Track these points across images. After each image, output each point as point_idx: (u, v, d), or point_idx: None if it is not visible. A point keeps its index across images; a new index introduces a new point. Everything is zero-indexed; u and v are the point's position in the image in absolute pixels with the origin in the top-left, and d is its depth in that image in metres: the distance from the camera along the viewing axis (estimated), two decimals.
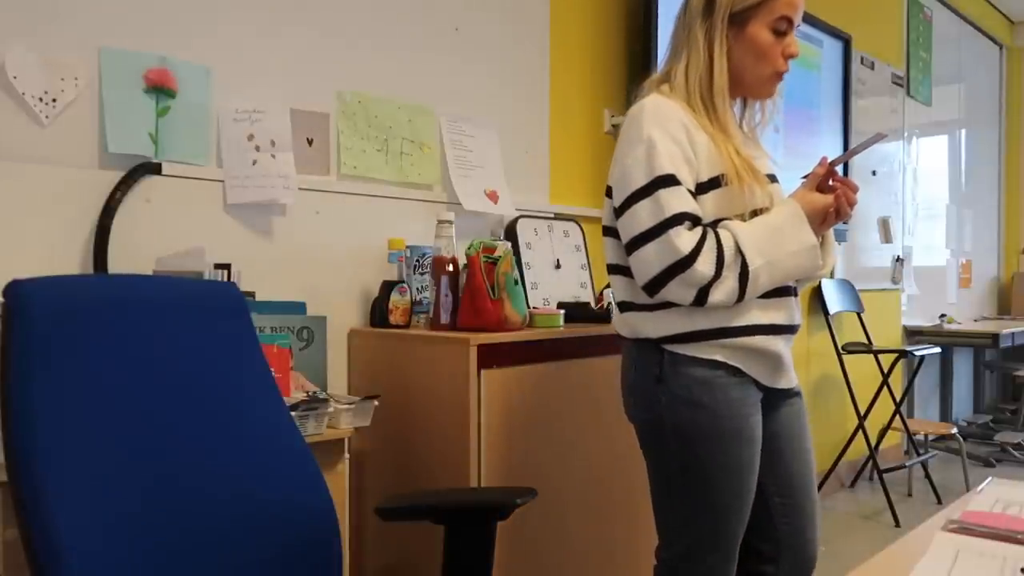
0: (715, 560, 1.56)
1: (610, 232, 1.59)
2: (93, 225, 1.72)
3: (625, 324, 1.59)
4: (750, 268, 1.44)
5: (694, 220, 1.46)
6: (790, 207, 1.50)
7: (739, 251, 1.44)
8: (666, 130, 1.47)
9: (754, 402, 1.54)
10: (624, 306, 1.59)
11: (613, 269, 1.60)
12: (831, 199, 1.51)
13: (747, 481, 1.55)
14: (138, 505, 1.06)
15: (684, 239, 1.42)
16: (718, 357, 1.49)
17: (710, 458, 1.50)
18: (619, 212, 1.50)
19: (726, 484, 1.52)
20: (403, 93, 2.31)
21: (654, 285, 1.45)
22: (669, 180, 1.44)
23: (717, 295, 1.44)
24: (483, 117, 2.52)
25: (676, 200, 1.44)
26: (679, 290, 1.44)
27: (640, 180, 1.46)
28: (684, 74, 1.55)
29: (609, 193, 1.57)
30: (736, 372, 1.51)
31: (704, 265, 1.42)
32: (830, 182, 1.54)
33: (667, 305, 1.50)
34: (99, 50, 1.73)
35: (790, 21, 1.54)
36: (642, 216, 1.45)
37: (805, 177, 1.56)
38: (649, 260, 1.44)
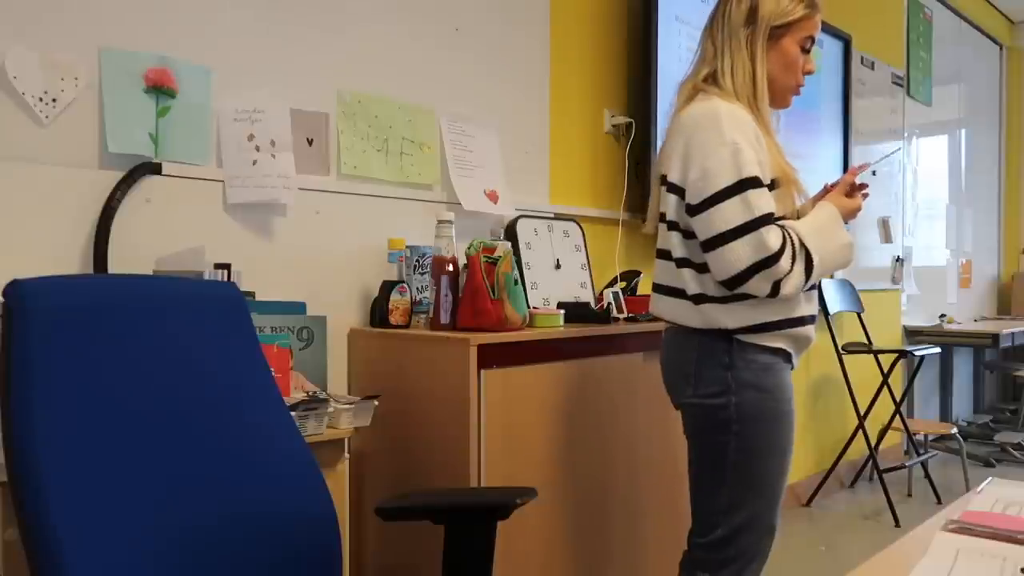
0: (759, 538, 1.69)
1: (675, 227, 1.67)
2: (93, 225, 1.72)
3: (699, 315, 1.66)
4: (814, 263, 1.60)
5: (774, 220, 1.59)
6: (828, 209, 1.69)
7: (804, 247, 1.60)
8: (745, 135, 1.59)
9: (791, 386, 1.72)
10: (699, 298, 1.65)
11: (683, 263, 1.67)
12: (860, 202, 1.73)
13: (790, 462, 1.71)
14: (138, 505, 1.06)
15: (772, 237, 1.55)
16: (780, 344, 1.66)
17: (767, 439, 1.65)
18: (698, 209, 1.59)
19: (776, 464, 1.68)
20: (403, 93, 2.30)
21: (738, 279, 1.56)
22: (756, 182, 1.57)
23: (787, 288, 1.58)
24: (483, 117, 2.51)
25: (763, 201, 1.57)
26: (760, 284, 1.56)
27: (727, 179, 1.56)
28: (731, 77, 1.67)
29: (673, 190, 1.65)
30: (787, 358, 1.69)
31: (786, 261, 1.56)
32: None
33: (740, 297, 1.62)
34: (99, 50, 1.73)
35: (813, 40, 1.73)
36: (730, 214, 1.55)
37: (834, 184, 1.75)
38: (739, 255, 1.55)
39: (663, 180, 1.70)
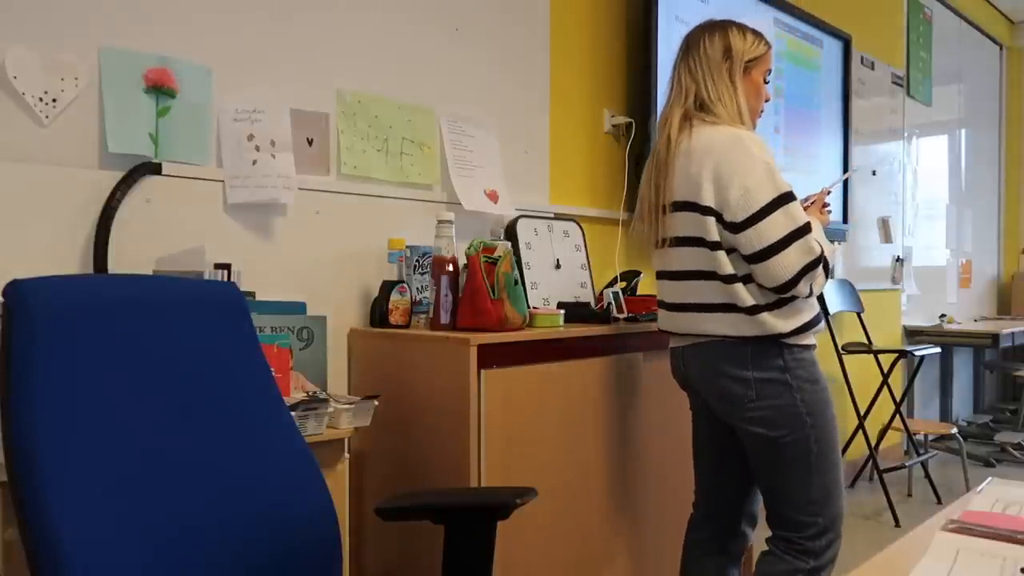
0: (843, 511, 1.85)
1: (719, 247, 1.77)
2: (93, 225, 1.72)
3: (754, 325, 1.76)
4: (829, 265, 1.78)
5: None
6: (816, 222, 1.83)
7: (822, 250, 1.76)
8: (769, 154, 1.76)
9: None
10: (753, 309, 1.76)
11: (731, 279, 1.77)
12: (828, 218, 1.98)
13: None
14: (137, 504, 1.06)
15: (814, 242, 1.73)
16: (812, 341, 1.84)
17: (830, 423, 1.81)
18: (743, 225, 1.71)
19: (837, 444, 1.84)
20: (403, 93, 2.30)
21: (791, 283, 1.71)
22: (791, 196, 1.74)
23: (817, 287, 1.78)
24: (483, 117, 2.51)
25: (800, 212, 1.74)
26: (804, 286, 1.73)
27: (768, 195, 1.71)
28: (721, 104, 1.83)
29: (709, 212, 1.75)
30: (815, 350, 1.85)
31: (822, 264, 1.74)
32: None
33: (785, 302, 1.76)
34: (99, 50, 1.73)
35: (770, 71, 1.95)
36: (777, 226, 1.70)
37: (813, 201, 1.97)
38: (791, 261, 1.70)
39: (691, 207, 1.78)
